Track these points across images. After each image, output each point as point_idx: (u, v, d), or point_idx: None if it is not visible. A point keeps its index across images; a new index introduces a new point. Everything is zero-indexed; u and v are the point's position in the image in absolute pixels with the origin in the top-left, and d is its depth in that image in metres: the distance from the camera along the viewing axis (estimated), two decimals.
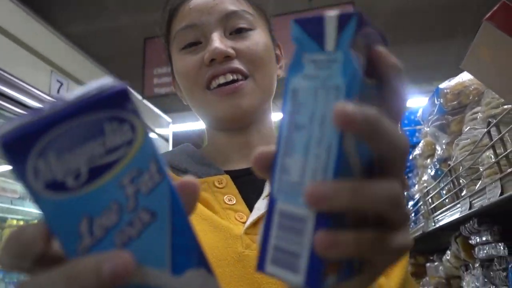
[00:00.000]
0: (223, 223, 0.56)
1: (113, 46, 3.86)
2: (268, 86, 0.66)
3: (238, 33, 0.64)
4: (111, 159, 0.21)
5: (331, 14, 0.26)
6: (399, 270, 0.55)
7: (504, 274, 0.99)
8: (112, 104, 0.21)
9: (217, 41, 0.61)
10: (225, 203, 0.59)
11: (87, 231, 0.21)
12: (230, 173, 0.63)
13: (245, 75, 0.63)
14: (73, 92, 0.22)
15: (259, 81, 0.64)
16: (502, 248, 0.97)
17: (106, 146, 0.21)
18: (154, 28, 0.76)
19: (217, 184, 0.62)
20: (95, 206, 0.21)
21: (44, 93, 2.09)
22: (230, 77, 0.61)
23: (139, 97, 3.14)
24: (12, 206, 2.13)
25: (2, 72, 1.84)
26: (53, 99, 0.21)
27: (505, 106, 0.80)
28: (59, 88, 2.21)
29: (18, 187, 2.21)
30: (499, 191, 0.82)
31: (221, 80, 0.61)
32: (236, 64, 0.62)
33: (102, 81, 0.22)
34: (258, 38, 0.65)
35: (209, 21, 0.63)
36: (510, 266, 0.91)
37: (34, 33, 2.12)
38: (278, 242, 0.25)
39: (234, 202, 0.60)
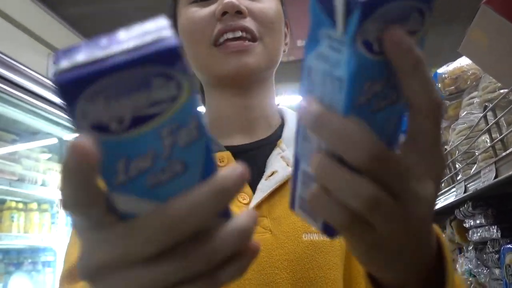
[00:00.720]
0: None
1: (111, 29, 3.84)
2: (276, 53, 0.65)
3: None
4: (154, 111, 0.22)
5: None
6: None
7: (497, 256, 1.00)
8: (164, 61, 0.22)
9: None
10: None
11: (123, 170, 0.23)
12: (231, 149, 0.61)
13: (255, 38, 0.61)
14: (131, 30, 0.23)
15: (268, 45, 0.62)
16: (495, 231, 0.99)
17: (150, 99, 0.22)
18: (153, 12, 0.75)
19: (218, 162, 0.60)
20: (133, 150, 0.22)
21: (42, 75, 2.09)
22: (239, 33, 0.59)
23: None
24: (11, 188, 2.14)
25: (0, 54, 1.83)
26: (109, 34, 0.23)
27: (501, 91, 0.80)
28: None
29: (16, 168, 2.22)
30: (494, 175, 0.83)
31: (230, 35, 0.59)
32: (248, 23, 0.60)
33: (158, 24, 0.23)
34: (271, 3, 0.64)
35: None
36: (502, 248, 0.93)
37: (32, 15, 2.10)
38: (302, 193, 0.29)
39: None
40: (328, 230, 0.29)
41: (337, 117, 0.26)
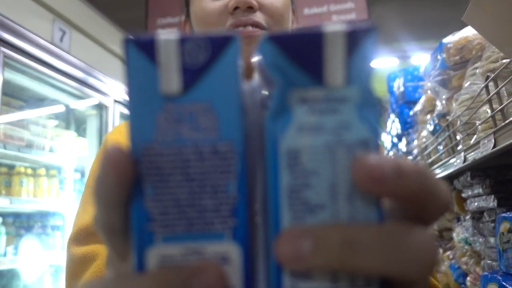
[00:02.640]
0: None
1: None
2: None
3: None
4: None
5: (334, 29, 0.19)
6: None
7: (493, 225, 1.03)
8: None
9: None
10: None
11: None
12: None
13: (264, 29, 0.64)
14: None
15: None
16: (492, 200, 1.01)
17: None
18: None
19: None
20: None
21: (47, 41, 2.08)
22: (249, 28, 0.63)
23: None
24: (20, 154, 2.18)
25: (5, 19, 1.82)
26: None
27: (504, 61, 0.80)
28: (62, 36, 2.20)
29: (25, 134, 2.25)
30: (492, 145, 0.84)
31: (241, 30, 0.63)
32: (258, 17, 0.64)
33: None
34: None
35: None
36: (497, 217, 0.95)
37: None
38: None
39: None
40: None
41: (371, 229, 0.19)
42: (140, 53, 0.20)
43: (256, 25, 0.63)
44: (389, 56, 4.34)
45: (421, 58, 4.03)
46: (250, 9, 0.63)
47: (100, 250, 0.53)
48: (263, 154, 0.20)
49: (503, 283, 0.83)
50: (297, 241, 0.18)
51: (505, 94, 0.82)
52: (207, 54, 0.20)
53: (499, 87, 0.80)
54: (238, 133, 0.20)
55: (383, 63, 4.30)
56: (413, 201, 0.19)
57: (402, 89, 1.82)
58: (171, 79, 0.20)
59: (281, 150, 0.19)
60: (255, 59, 0.22)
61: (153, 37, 0.20)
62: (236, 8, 0.62)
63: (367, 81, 0.19)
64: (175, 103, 0.20)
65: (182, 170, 0.20)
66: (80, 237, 0.56)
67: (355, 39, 0.19)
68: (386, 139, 2.88)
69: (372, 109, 0.19)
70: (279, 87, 0.20)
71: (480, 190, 1.05)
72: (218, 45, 0.20)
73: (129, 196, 0.20)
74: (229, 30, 0.64)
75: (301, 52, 0.19)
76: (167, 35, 0.20)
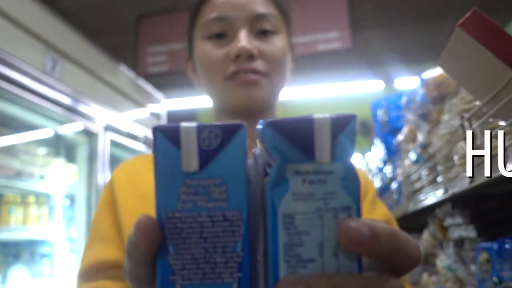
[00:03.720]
0: None
1: (106, 20, 3.85)
2: (281, 85, 0.74)
3: (263, 34, 0.70)
4: None
5: (322, 117, 0.24)
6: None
7: (473, 253, 1.07)
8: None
9: (244, 40, 0.67)
10: None
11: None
12: None
13: (263, 75, 0.69)
14: None
15: (274, 80, 0.71)
16: (471, 230, 1.06)
17: None
18: (147, 5, 0.82)
19: None
20: None
21: (39, 71, 2.11)
22: (250, 74, 0.68)
23: (132, 75, 3.15)
24: (9, 182, 2.18)
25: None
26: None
27: (477, 102, 0.86)
28: (54, 66, 2.24)
29: (15, 163, 2.26)
30: (468, 180, 0.89)
31: (241, 76, 0.68)
32: (258, 64, 0.68)
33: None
34: (279, 42, 0.71)
35: (239, 17, 0.68)
36: (477, 246, 1.00)
37: (27, 10, 2.12)
38: None
39: None
40: None
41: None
42: (166, 138, 0.25)
43: (255, 71, 0.68)
44: (374, 79, 4.45)
45: (405, 82, 4.14)
46: (251, 57, 0.67)
47: (107, 286, 0.56)
48: (264, 216, 0.25)
49: None
50: None
51: (479, 133, 0.88)
52: (220, 139, 0.25)
53: (472, 126, 0.86)
54: (244, 203, 0.25)
55: (369, 87, 4.39)
56: (386, 258, 0.24)
57: (386, 118, 1.88)
58: (190, 160, 0.25)
59: (279, 214, 0.24)
60: (258, 137, 0.26)
61: (176, 126, 0.25)
62: (238, 56, 0.67)
63: (348, 158, 0.24)
64: (193, 179, 0.25)
65: (199, 233, 0.25)
66: (87, 274, 0.60)
67: (339, 125, 0.24)
68: (372, 162, 2.94)
69: (353, 181, 0.24)
70: (277, 162, 0.24)
71: (460, 220, 1.10)
72: (229, 132, 0.25)
73: (155, 254, 0.25)
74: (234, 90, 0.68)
75: (296, 135, 0.24)
76: (187, 125, 0.25)
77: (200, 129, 0.25)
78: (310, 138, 0.24)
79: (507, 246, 0.82)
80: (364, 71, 4.27)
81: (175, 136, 0.25)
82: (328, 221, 0.24)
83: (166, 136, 0.25)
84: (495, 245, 0.85)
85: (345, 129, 0.24)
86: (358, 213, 0.24)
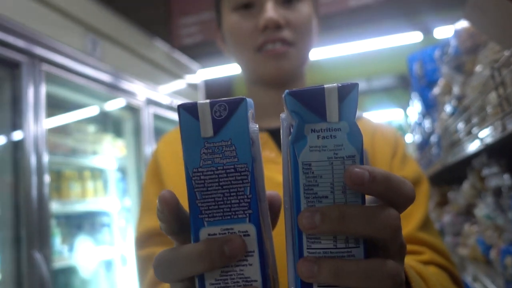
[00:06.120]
0: (267, 174, 0.67)
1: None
2: (307, 52, 0.77)
3: (288, 2, 0.72)
4: None
5: (330, 86, 0.29)
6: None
7: (510, 201, 1.09)
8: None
9: (271, 11, 0.69)
10: (267, 156, 0.70)
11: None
12: (269, 130, 0.74)
13: (291, 44, 0.72)
14: None
15: (301, 48, 0.74)
16: (508, 178, 1.07)
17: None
18: None
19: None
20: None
21: (82, 52, 2.23)
22: (278, 44, 0.71)
23: (167, 47, 3.22)
24: (66, 159, 2.36)
25: (44, 38, 1.97)
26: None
27: (505, 53, 0.86)
28: (94, 47, 2.34)
29: (69, 141, 2.43)
30: (500, 129, 0.90)
31: (270, 46, 0.71)
32: (285, 33, 0.71)
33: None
34: (305, 9, 0.74)
35: None
36: None
37: None
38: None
39: (274, 155, 0.70)
40: None
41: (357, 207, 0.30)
42: (187, 113, 0.32)
43: (283, 40, 0.71)
44: (412, 31, 4.29)
45: (444, 31, 3.97)
46: (278, 27, 0.70)
47: (156, 251, 0.65)
48: (287, 165, 0.32)
49: None
50: (311, 216, 0.30)
51: (510, 83, 0.88)
52: (227, 111, 0.32)
53: (502, 75, 0.86)
54: (249, 158, 0.32)
55: (407, 39, 4.25)
56: (383, 195, 0.31)
57: (422, 72, 1.86)
58: (207, 128, 0.32)
59: (299, 162, 0.30)
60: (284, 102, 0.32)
61: (194, 103, 0.32)
62: (265, 27, 0.70)
63: (353, 118, 0.30)
64: (210, 142, 0.32)
65: (217, 182, 0.33)
66: (140, 242, 0.69)
67: (344, 92, 0.30)
68: (412, 116, 2.91)
69: (356, 135, 0.30)
70: (297, 123, 0.30)
71: (496, 169, 1.11)
72: (234, 105, 0.32)
73: (178, 215, 0.33)
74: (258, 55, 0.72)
75: (310, 101, 0.30)
76: (203, 102, 0.32)
77: (212, 104, 0.32)
78: (322, 102, 0.29)
79: None
80: (400, 23, 4.11)
81: (194, 110, 0.32)
82: (337, 167, 0.30)
83: (188, 111, 0.32)
84: None
85: (349, 95, 0.29)
86: (361, 161, 0.30)
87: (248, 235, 0.32)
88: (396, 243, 0.31)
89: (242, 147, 0.32)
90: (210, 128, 0.32)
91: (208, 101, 0.32)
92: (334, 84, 0.29)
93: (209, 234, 0.33)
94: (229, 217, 0.32)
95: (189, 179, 0.32)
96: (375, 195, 0.31)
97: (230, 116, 0.32)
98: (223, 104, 0.32)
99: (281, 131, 0.33)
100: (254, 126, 0.34)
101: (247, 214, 0.32)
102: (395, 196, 0.30)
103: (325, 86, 0.29)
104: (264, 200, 0.35)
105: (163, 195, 0.32)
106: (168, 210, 0.32)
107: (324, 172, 0.30)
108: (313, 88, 0.30)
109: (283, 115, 0.33)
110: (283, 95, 0.31)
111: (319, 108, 0.29)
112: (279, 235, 0.38)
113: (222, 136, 0.32)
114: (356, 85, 0.30)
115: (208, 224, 0.33)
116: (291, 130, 0.31)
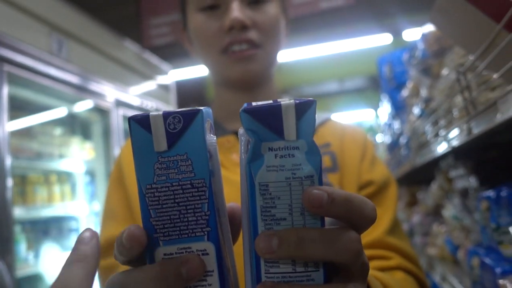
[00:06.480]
0: (234, 178, 0.65)
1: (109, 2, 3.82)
2: (275, 54, 0.75)
3: (255, 3, 0.70)
4: None
5: (287, 103, 0.28)
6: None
7: (476, 203, 1.11)
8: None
9: (237, 11, 0.67)
10: (234, 160, 0.69)
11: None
12: (236, 133, 0.72)
13: (257, 46, 0.70)
14: None
15: (269, 50, 0.72)
16: (473, 180, 1.09)
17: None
18: None
19: (226, 144, 0.71)
20: None
21: (46, 53, 2.15)
22: (244, 45, 0.69)
23: (137, 48, 3.16)
24: (31, 163, 2.27)
25: (6, 38, 1.89)
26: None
27: (470, 57, 0.87)
28: (60, 47, 2.27)
29: (34, 145, 2.34)
30: (466, 133, 0.91)
31: (236, 48, 0.69)
32: (252, 34, 0.69)
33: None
34: (272, 10, 0.71)
35: None
36: (478, 195, 1.03)
37: None
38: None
39: None
40: None
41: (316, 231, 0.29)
42: (139, 126, 0.30)
43: (249, 42, 0.69)
44: (381, 33, 4.36)
45: (413, 33, 4.05)
46: (244, 28, 0.68)
47: (117, 263, 0.62)
48: (245, 185, 0.30)
49: (484, 257, 0.92)
50: (268, 240, 0.28)
51: (474, 86, 0.89)
52: (182, 123, 0.30)
53: (467, 80, 0.87)
54: (207, 173, 0.30)
55: (377, 41, 4.32)
56: (343, 218, 0.30)
57: (391, 74, 1.88)
58: (160, 141, 0.30)
59: (256, 183, 0.29)
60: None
61: (146, 114, 0.30)
62: (231, 27, 0.68)
63: (311, 136, 0.29)
64: (164, 157, 0.30)
65: (172, 199, 0.31)
66: (102, 251, 0.65)
67: (301, 109, 0.28)
68: (382, 118, 2.95)
69: (315, 154, 0.29)
70: (253, 141, 0.29)
71: (462, 171, 1.13)
72: (189, 117, 0.30)
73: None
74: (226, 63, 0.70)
75: (267, 118, 0.28)
76: (155, 113, 0.30)
77: (165, 116, 0.30)
78: (279, 120, 0.28)
79: (503, 193, 0.85)
80: (370, 25, 4.18)
81: (146, 123, 0.30)
82: (295, 188, 0.28)
83: (139, 123, 0.30)
84: (492, 193, 0.89)
85: (307, 112, 0.28)
86: (320, 181, 0.28)
87: (207, 254, 0.31)
88: (357, 264, 0.30)
89: (199, 161, 0.30)
90: (163, 141, 0.30)
91: (161, 112, 0.30)
92: (292, 101, 0.28)
93: (165, 254, 0.31)
94: (186, 236, 0.30)
95: (142, 196, 0.30)
96: (335, 217, 0.30)
97: (186, 129, 0.30)
98: (178, 116, 0.30)
99: (239, 147, 0.32)
100: (211, 138, 0.32)
101: (205, 232, 0.30)
102: (355, 217, 0.29)
103: (282, 103, 0.28)
104: (224, 215, 0.34)
105: (132, 232, 0.30)
106: (138, 248, 0.30)
107: (282, 194, 0.28)
108: (269, 105, 0.28)
109: (241, 131, 0.31)
110: (240, 111, 0.29)
111: (276, 125, 0.28)
112: (239, 255, 0.37)
113: (177, 150, 0.30)
114: (313, 102, 0.29)
115: (164, 244, 0.31)
116: (248, 146, 0.30)
